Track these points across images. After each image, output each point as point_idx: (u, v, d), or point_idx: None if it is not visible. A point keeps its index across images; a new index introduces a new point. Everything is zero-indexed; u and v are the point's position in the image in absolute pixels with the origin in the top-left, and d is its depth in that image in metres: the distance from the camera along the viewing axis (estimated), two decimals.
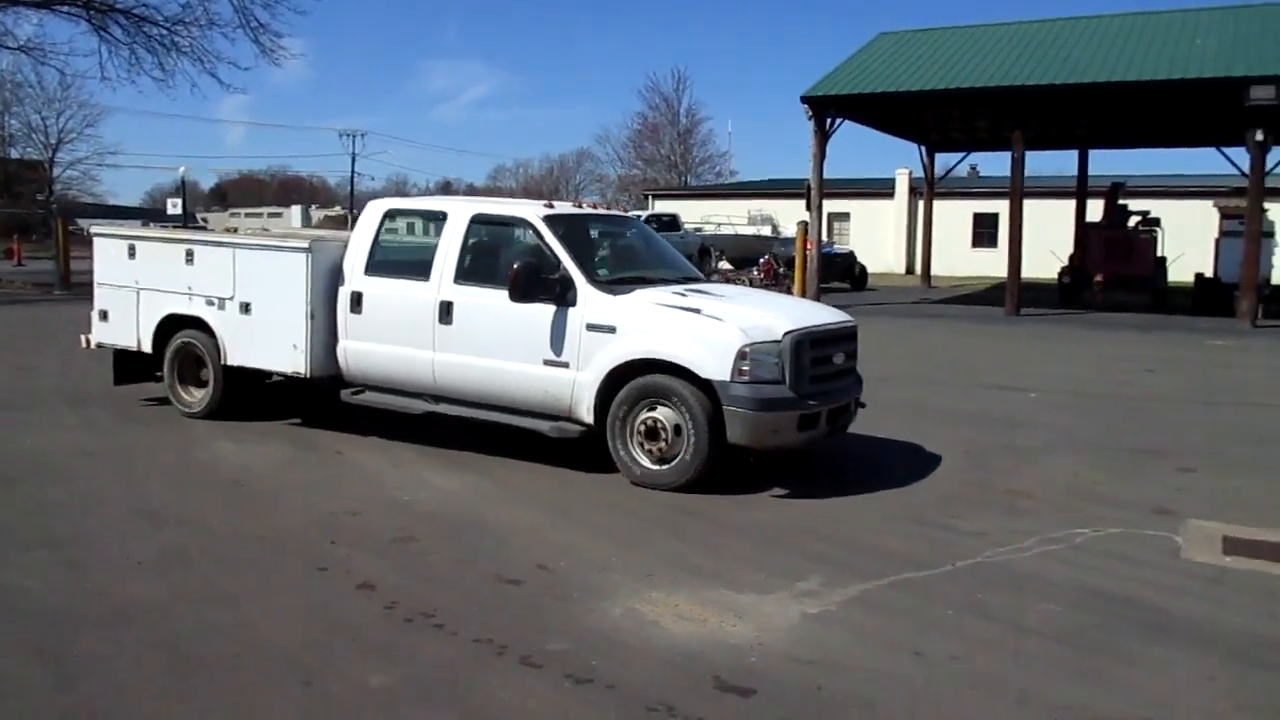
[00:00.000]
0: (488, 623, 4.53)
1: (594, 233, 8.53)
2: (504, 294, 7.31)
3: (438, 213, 8.20)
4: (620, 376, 7.00)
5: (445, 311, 7.65)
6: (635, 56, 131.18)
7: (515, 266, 7.21)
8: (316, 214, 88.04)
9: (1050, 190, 33.00)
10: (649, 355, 6.94)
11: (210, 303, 8.65)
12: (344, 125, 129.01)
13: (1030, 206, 23.25)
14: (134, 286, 9.09)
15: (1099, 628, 4.69)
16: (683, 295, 7.35)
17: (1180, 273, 24.94)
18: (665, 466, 6.85)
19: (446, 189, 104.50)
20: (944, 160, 33.74)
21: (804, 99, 23.41)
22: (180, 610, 4.66)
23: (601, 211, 9.35)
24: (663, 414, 6.85)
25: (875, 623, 4.71)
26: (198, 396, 8.95)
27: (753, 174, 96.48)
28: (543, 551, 5.59)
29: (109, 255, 9.31)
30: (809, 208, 23.48)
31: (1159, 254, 24.87)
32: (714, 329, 6.86)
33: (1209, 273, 24.59)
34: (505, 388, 7.49)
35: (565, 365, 7.23)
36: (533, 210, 7.88)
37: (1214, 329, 19.16)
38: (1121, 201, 26.10)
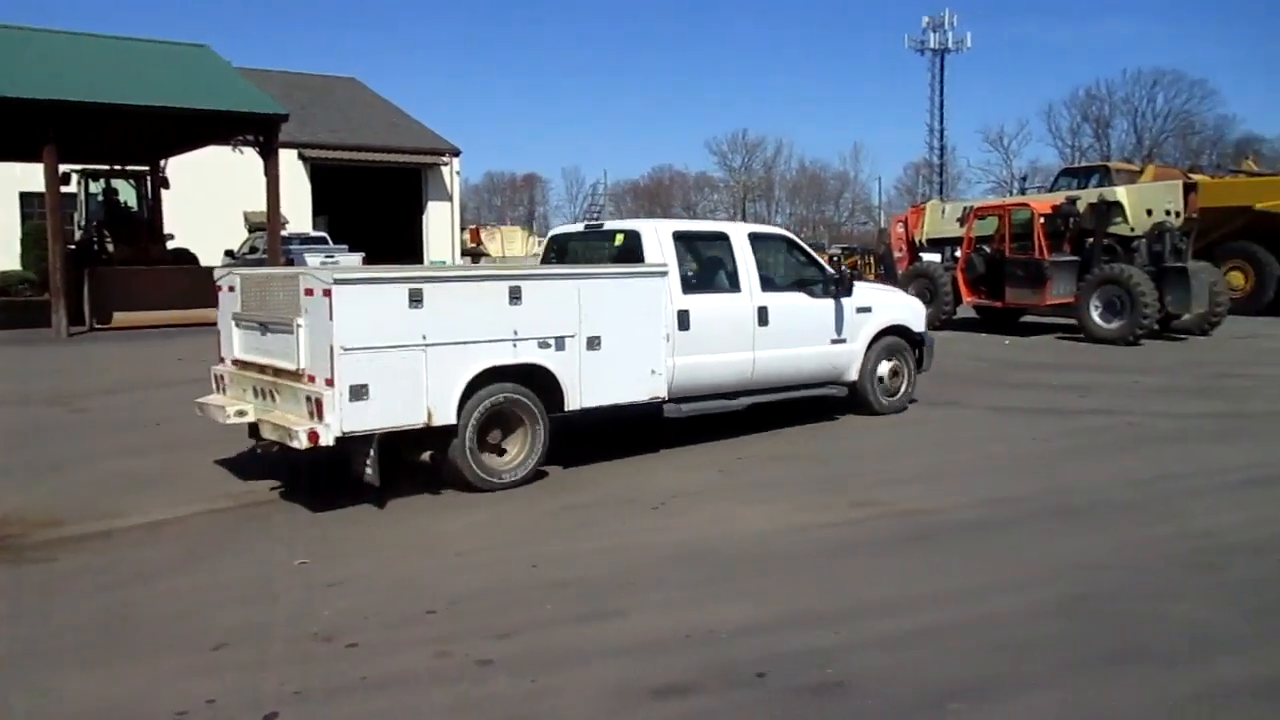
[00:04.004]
0: None
1: None
2: (799, 295, 9.63)
3: (718, 233, 9.63)
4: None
5: (762, 316, 9.16)
6: None
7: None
8: None
9: None
10: (896, 323, 10.38)
11: (545, 345, 7.44)
12: None
13: None
14: (419, 344, 6.76)
15: None
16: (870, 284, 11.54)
17: None
18: (894, 399, 10.43)
19: None
20: None
21: None
22: None
23: None
24: (891, 364, 10.36)
25: None
26: (511, 460, 7.46)
27: None
28: None
29: (366, 309, 6.60)
30: None
31: None
32: (912, 301, 11.05)
33: None
34: (803, 368, 9.64)
35: (844, 340, 9.93)
36: (779, 229, 11.86)
37: None
38: None
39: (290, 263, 22.55)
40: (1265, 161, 44.83)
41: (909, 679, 4.15)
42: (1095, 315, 17.77)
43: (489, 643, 4.56)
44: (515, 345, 7.35)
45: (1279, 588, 5.24)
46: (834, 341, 9.84)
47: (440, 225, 37.09)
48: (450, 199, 37.46)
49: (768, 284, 9.35)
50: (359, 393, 6.59)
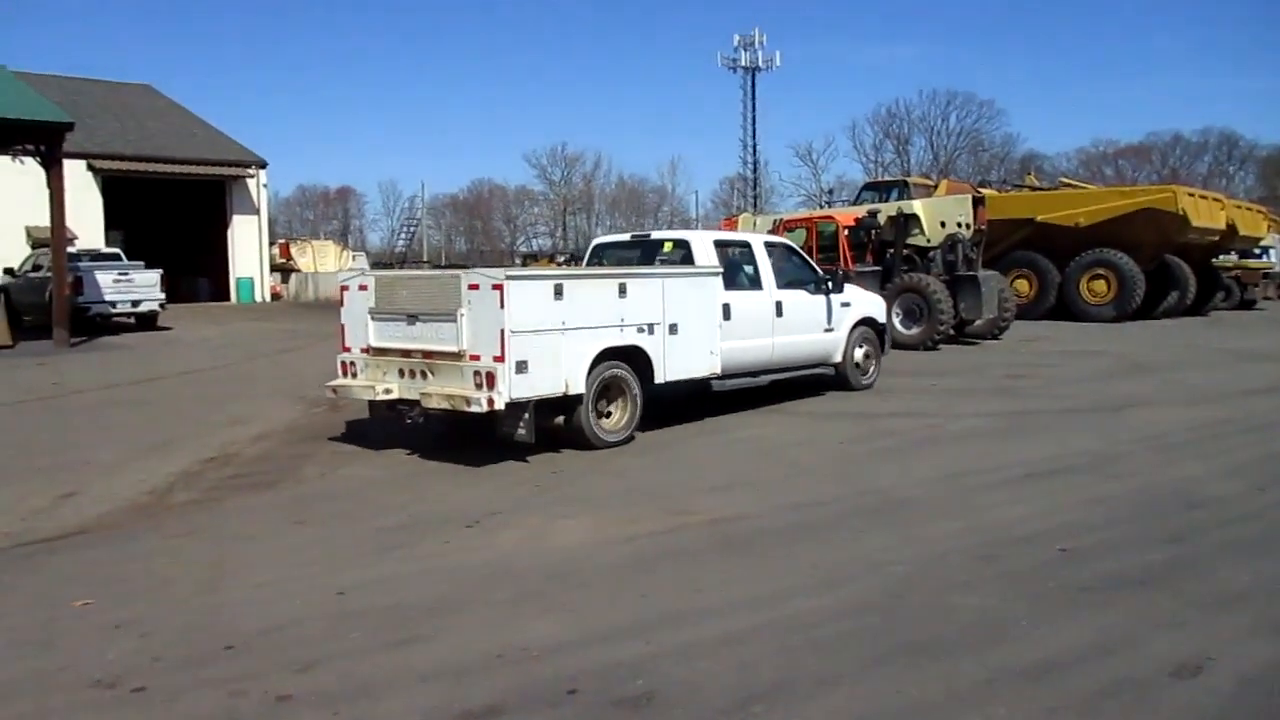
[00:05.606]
0: None
1: None
2: (801, 292, 11.76)
3: (743, 242, 11.84)
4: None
5: (779, 309, 11.31)
6: None
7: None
8: None
9: None
10: (867, 315, 12.77)
11: (641, 330, 9.34)
12: None
13: None
14: (559, 328, 8.59)
15: None
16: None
17: None
18: (866, 377, 12.88)
19: None
20: None
21: None
22: None
23: None
24: (864, 349, 12.79)
25: None
26: (615, 424, 9.30)
27: None
28: None
29: (527, 300, 8.39)
30: None
31: None
32: (877, 298, 13.50)
33: None
34: (806, 352, 11.84)
35: (832, 330, 12.23)
36: (784, 239, 13.50)
37: None
38: None
39: (78, 281, 21.15)
40: (1045, 177, 48.36)
41: (717, 685, 4.21)
42: (896, 322, 18.70)
43: (289, 677, 4.36)
44: (622, 330, 9.19)
45: (1056, 575, 5.61)
46: (825, 330, 12.19)
47: (247, 240, 35.57)
48: (258, 212, 35.99)
49: (780, 283, 11.47)
50: (522, 367, 8.24)
